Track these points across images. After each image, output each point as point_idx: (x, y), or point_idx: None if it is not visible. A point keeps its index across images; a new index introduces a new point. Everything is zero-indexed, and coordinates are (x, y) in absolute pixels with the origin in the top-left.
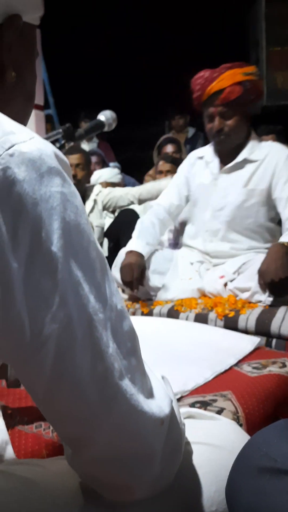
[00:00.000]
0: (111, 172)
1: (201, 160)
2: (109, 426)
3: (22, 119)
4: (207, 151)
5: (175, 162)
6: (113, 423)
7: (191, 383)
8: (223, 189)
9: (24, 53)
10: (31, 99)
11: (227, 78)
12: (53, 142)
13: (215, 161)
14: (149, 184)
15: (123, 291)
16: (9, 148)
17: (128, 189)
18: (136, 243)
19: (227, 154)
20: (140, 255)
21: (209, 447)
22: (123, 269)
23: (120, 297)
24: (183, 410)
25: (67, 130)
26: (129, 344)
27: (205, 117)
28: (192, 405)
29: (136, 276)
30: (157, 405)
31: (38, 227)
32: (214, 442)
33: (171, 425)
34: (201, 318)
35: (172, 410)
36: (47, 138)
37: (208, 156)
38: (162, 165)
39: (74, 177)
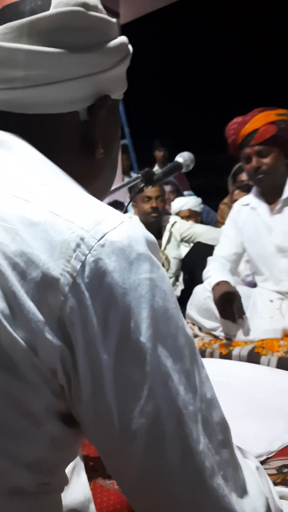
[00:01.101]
0: (195, 201)
1: (247, 207)
2: None
3: (107, 188)
4: (251, 197)
5: (237, 202)
6: None
7: (277, 442)
8: (283, 229)
9: (112, 128)
10: (115, 168)
11: (260, 119)
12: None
13: (262, 204)
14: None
15: (200, 329)
16: (100, 238)
17: (208, 229)
18: (218, 276)
19: (271, 194)
20: (229, 284)
21: None
22: (219, 301)
23: (210, 384)
24: (277, 490)
25: (146, 175)
26: (221, 436)
27: (242, 160)
28: (280, 469)
29: (236, 306)
30: (251, 505)
31: (127, 317)
32: None
33: None
34: (285, 363)
35: (268, 510)
36: (127, 183)
37: (253, 202)
38: (238, 194)
39: (156, 209)
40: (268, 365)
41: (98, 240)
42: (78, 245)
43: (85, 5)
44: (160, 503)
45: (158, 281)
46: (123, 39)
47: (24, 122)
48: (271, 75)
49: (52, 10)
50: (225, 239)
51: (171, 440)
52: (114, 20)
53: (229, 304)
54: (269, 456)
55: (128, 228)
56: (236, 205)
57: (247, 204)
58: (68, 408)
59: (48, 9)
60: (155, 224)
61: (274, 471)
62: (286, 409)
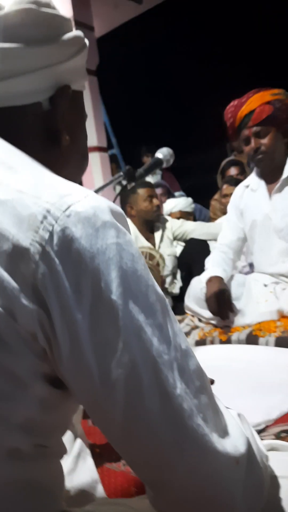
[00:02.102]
0: (186, 202)
1: (248, 189)
2: (184, 467)
3: (78, 175)
4: (251, 179)
5: (240, 184)
6: (187, 464)
7: (275, 412)
8: (281, 209)
9: (75, 117)
10: (85, 157)
11: (255, 100)
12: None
13: (262, 185)
14: (212, 225)
15: (200, 320)
16: (66, 209)
17: (199, 225)
18: (213, 270)
19: (271, 174)
20: (221, 280)
21: None
22: (209, 300)
23: (183, 337)
24: (265, 443)
25: (127, 172)
26: (198, 383)
27: (241, 142)
28: (278, 434)
29: (225, 304)
30: (232, 444)
31: (97, 278)
32: None
33: (249, 464)
34: (282, 342)
35: (249, 448)
36: (109, 182)
37: (253, 183)
38: (227, 188)
39: (159, 206)
40: (266, 345)
41: (64, 211)
42: (44, 217)
43: (36, 3)
44: (146, 448)
45: (125, 245)
46: (77, 32)
47: None
48: (255, 74)
49: (7, 9)
50: (227, 226)
51: (149, 386)
52: (67, 16)
53: (218, 301)
54: (268, 424)
55: (92, 200)
56: (238, 189)
57: (248, 186)
58: (53, 370)
59: (2, 9)
60: (152, 222)
61: (273, 437)
62: (283, 382)
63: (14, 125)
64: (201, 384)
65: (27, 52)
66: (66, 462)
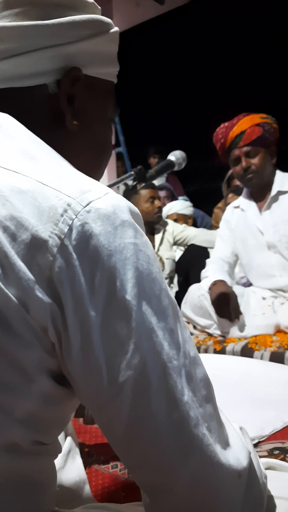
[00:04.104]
0: (182, 204)
1: (238, 209)
2: (185, 475)
3: (96, 170)
4: (241, 200)
5: (229, 205)
6: (189, 473)
7: (268, 428)
8: (272, 225)
9: (92, 104)
10: (103, 150)
11: (246, 122)
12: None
13: (252, 204)
14: (214, 232)
15: (194, 327)
16: (86, 205)
17: (201, 231)
18: (216, 275)
19: (260, 194)
20: (226, 283)
21: None
22: (217, 300)
23: (192, 344)
24: (262, 461)
25: (138, 172)
26: (204, 392)
27: (231, 163)
28: (271, 451)
29: (233, 306)
30: (235, 456)
31: (113, 276)
32: None
33: (250, 479)
34: (277, 357)
35: (250, 463)
36: (120, 180)
37: (243, 203)
38: (232, 197)
39: (160, 208)
40: (261, 359)
41: (84, 207)
42: (65, 210)
43: None
44: (148, 452)
45: (142, 246)
46: (93, 16)
47: None
48: (265, 83)
49: None
50: (221, 241)
51: (156, 390)
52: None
53: (225, 304)
54: (261, 440)
55: (112, 198)
56: (228, 208)
57: (238, 207)
58: (59, 367)
59: None
60: (154, 223)
61: (266, 453)
62: (278, 398)
63: (21, 107)
64: (207, 393)
65: (34, 30)
66: (55, 460)
